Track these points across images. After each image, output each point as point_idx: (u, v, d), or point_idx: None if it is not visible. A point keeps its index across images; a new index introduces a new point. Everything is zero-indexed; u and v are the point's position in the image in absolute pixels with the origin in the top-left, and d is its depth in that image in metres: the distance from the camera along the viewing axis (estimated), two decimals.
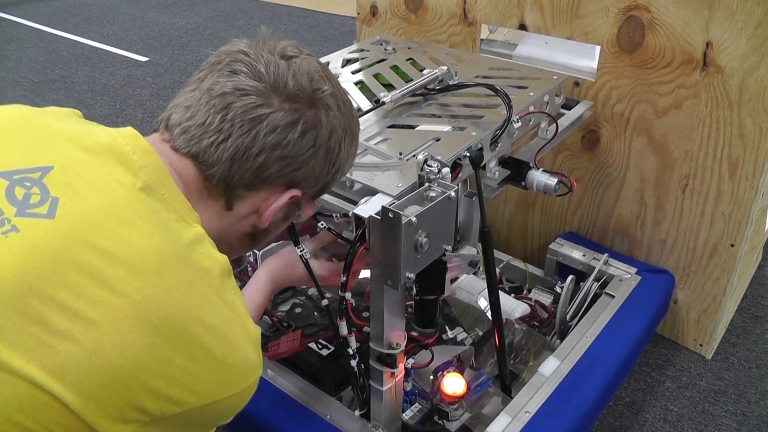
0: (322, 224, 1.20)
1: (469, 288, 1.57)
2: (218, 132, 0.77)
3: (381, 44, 1.74)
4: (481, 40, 1.94)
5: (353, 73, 1.56)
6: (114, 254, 0.64)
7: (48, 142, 0.72)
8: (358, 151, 1.04)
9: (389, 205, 0.96)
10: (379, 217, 0.97)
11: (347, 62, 1.64)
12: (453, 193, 1.01)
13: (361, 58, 1.65)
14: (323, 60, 1.43)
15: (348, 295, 1.06)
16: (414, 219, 0.95)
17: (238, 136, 0.78)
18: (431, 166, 1.04)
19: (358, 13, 2.19)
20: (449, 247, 1.05)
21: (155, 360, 0.63)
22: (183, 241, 0.70)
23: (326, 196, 1.24)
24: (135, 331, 0.62)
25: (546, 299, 1.73)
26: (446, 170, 1.05)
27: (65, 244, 0.63)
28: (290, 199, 0.85)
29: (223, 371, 0.69)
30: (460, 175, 1.21)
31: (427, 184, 1.04)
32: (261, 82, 0.79)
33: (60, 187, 0.67)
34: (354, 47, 1.75)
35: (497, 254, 1.89)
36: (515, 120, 1.31)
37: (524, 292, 1.81)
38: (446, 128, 1.29)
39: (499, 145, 1.30)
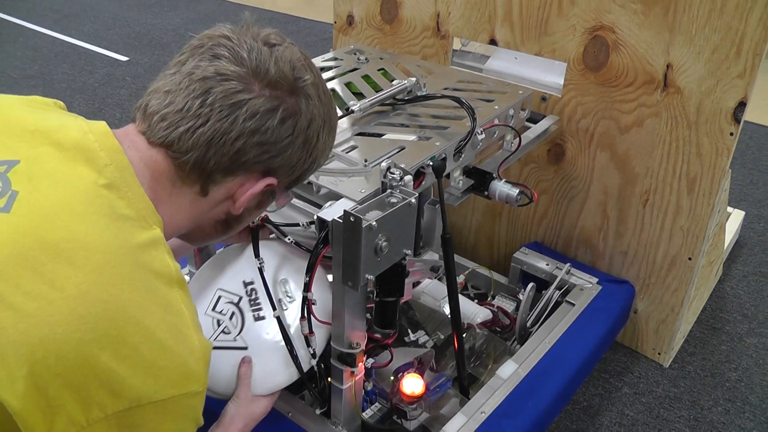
0: (289, 239, 1.24)
1: (434, 293, 1.62)
2: (196, 117, 0.77)
3: (354, 53, 1.78)
4: (454, 51, 1.99)
5: (326, 81, 1.60)
6: (59, 248, 0.64)
7: (20, 135, 0.73)
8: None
9: (351, 210, 1.00)
10: (342, 221, 1.01)
11: (321, 70, 1.67)
12: (413, 200, 1.06)
13: (335, 67, 1.69)
14: None
15: (310, 295, 1.10)
16: (374, 223, 0.99)
17: (216, 120, 0.78)
18: (394, 174, 1.08)
19: (335, 22, 2.23)
20: (410, 252, 1.10)
21: (80, 357, 0.62)
22: (137, 240, 0.70)
23: (294, 200, 1.28)
24: (65, 325, 0.62)
25: (509, 306, 1.77)
26: (408, 178, 1.10)
27: (13, 238, 0.64)
28: (266, 187, 0.85)
29: (151, 375, 0.67)
30: (423, 183, 1.25)
31: (389, 191, 1.08)
32: (243, 67, 0.79)
33: (22, 180, 0.68)
34: (328, 55, 1.79)
35: (464, 261, 1.94)
36: (479, 132, 1.35)
37: (489, 299, 1.85)
38: (412, 138, 1.33)
39: (463, 155, 1.34)
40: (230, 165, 0.81)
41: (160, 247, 0.73)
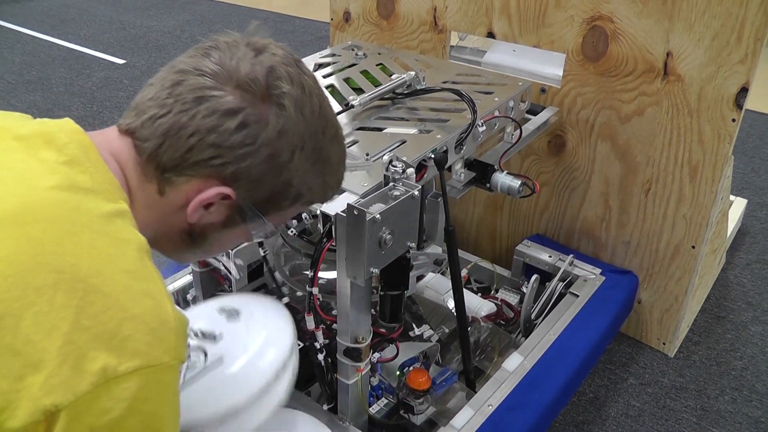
0: (292, 231, 1.24)
1: (438, 288, 1.62)
2: (161, 106, 0.75)
3: (352, 49, 1.78)
4: (451, 46, 1.99)
5: (325, 77, 1.60)
6: (17, 222, 0.63)
7: None
8: None
9: (354, 203, 1.00)
10: (345, 214, 1.01)
11: (319, 66, 1.67)
12: (416, 192, 1.05)
13: (333, 63, 1.69)
14: None
15: (315, 291, 1.10)
16: (378, 216, 0.98)
17: (177, 112, 0.74)
18: (396, 167, 1.08)
19: (332, 19, 2.23)
20: (413, 245, 1.09)
21: (40, 331, 0.60)
22: (100, 210, 0.68)
23: None
24: (21, 300, 0.60)
25: (512, 299, 1.77)
26: (411, 171, 1.09)
27: None
28: (219, 196, 0.78)
29: (114, 345, 0.62)
30: (425, 176, 1.25)
31: (392, 184, 1.08)
32: (221, 67, 0.76)
33: None
34: (326, 52, 1.79)
35: (466, 255, 1.94)
36: (480, 124, 1.35)
37: (492, 293, 1.85)
38: (413, 131, 1.33)
39: (464, 147, 1.34)
40: (181, 163, 0.76)
41: (126, 219, 0.71)
